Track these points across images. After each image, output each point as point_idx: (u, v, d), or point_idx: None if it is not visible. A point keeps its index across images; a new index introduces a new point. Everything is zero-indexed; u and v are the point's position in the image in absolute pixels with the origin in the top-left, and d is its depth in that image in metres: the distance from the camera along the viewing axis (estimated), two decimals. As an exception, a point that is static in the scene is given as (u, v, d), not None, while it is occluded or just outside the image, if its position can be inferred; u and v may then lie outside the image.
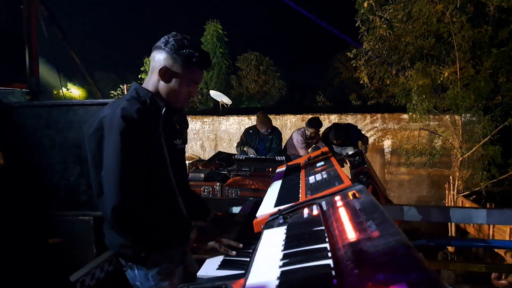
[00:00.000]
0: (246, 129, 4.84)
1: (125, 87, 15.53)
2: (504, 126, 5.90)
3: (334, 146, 4.88)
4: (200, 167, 4.06)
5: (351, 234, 0.73)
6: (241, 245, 1.29)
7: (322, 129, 4.93)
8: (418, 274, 0.49)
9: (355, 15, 8.58)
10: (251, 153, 4.49)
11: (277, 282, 0.66)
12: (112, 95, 15.61)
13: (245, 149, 4.55)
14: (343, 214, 0.88)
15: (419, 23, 6.90)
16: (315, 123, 4.71)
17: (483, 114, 6.30)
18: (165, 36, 1.34)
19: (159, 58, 1.32)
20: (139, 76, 15.69)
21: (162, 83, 1.34)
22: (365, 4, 8.29)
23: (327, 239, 0.76)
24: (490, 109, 6.22)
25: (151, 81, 1.36)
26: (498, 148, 5.84)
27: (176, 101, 1.38)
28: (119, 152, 1.16)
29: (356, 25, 8.50)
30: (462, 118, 6.49)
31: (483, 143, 6.06)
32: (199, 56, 1.32)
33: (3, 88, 2.37)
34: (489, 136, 5.96)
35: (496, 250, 5.71)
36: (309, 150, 4.50)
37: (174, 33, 1.35)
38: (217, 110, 10.16)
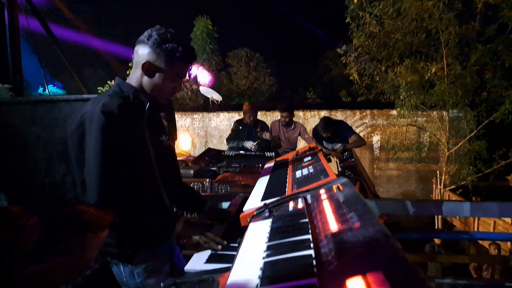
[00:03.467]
0: (236, 121, 4.82)
1: (112, 83, 15.37)
2: (489, 121, 6.01)
3: (324, 142, 4.89)
4: (190, 164, 4.05)
5: (333, 226, 0.74)
6: (225, 242, 1.28)
7: (312, 125, 4.95)
8: (394, 262, 0.50)
9: (345, 12, 8.63)
10: (250, 145, 4.40)
11: (260, 272, 0.67)
12: (100, 91, 15.42)
13: (245, 145, 4.44)
14: (327, 207, 0.89)
15: (408, 20, 6.97)
16: (283, 107, 4.73)
17: (469, 109, 6.41)
18: (148, 30, 1.31)
19: (142, 52, 1.30)
20: (127, 72, 15.54)
21: (145, 78, 1.31)
22: (355, 0, 8.35)
23: (310, 231, 0.77)
24: (476, 104, 6.33)
25: (134, 76, 1.34)
26: (483, 143, 5.95)
27: (160, 96, 1.35)
28: (99, 148, 1.15)
29: (346, 21, 8.55)
30: (449, 114, 6.59)
31: (469, 138, 6.17)
32: (183, 50, 1.30)
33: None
34: (475, 131, 6.07)
35: (480, 242, 5.83)
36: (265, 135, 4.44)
37: (158, 26, 1.32)
38: (207, 106, 10.12)
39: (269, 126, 4.85)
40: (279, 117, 4.95)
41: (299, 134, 4.94)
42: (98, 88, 15.76)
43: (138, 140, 1.29)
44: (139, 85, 1.33)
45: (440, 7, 6.21)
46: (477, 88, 6.87)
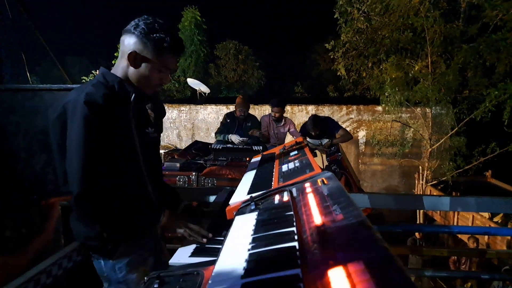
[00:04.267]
0: (226, 114, 4.80)
1: (97, 73, 15.06)
2: (470, 118, 6.16)
3: (311, 137, 4.94)
4: (176, 157, 4.03)
5: (317, 218, 0.76)
6: (210, 235, 1.28)
7: (301, 121, 4.98)
8: (374, 252, 0.52)
9: (333, 7, 8.65)
10: (236, 139, 4.38)
11: (245, 264, 0.68)
12: (83, 81, 15.09)
13: (230, 138, 4.41)
14: (311, 200, 0.91)
15: (395, 17, 7.05)
16: (276, 102, 4.76)
17: (451, 107, 6.56)
18: (136, 20, 1.28)
19: (128, 42, 1.26)
20: (113, 62, 15.22)
21: (131, 68, 1.28)
22: (344, -4, 8.39)
23: (294, 223, 0.79)
24: (458, 102, 6.48)
25: (120, 66, 1.31)
26: (463, 139, 6.11)
27: (147, 87, 1.32)
28: (82, 138, 1.13)
29: (335, 16, 8.58)
30: (432, 111, 6.73)
31: (451, 135, 6.32)
32: (171, 41, 1.27)
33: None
34: (456, 129, 6.22)
35: (460, 236, 6.02)
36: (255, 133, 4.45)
37: (145, 16, 1.29)
38: (195, 98, 10.05)
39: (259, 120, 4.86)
40: (267, 111, 4.97)
41: (288, 130, 4.99)
42: (82, 77, 15.42)
43: (123, 131, 1.26)
44: (125, 76, 1.30)
45: (426, 5, 6.30)
46: (459, 86, 7.03)
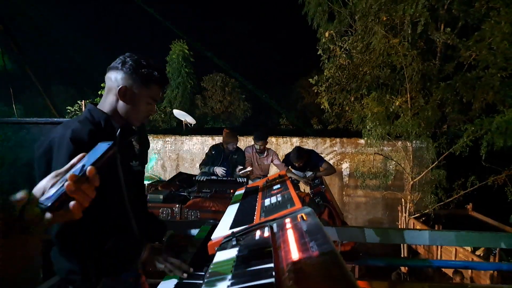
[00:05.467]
0: (212, 146, 4.82)
1: (83, 103, 14.94)
2: (449, 152, 6.36)
3: (295, 168, 5.00)
4: (159, 188, 3.99)
5: (295, 254, 0.78)
6: (192, 270, 1.28)
7: (286, 152, 5.06)
8: (345, 289, 0.55)
9: (317, 44, 9.04)
10: (221, 172, 4.36)
11: (224, 301, 0.70)
12: (68, 110, 14.95)
13: (215, 170, 4.39)
14: (291, 236, 0.93)
15: (375, 54, 7.38)
16: (258, 136, 4.83)
17: (431, 141, 6.76)
18: (121, 57, 1.35)
19: (116, 78, 1.32)
20: (99, 93, 15.20)
21: (121, 103, 1.33)
22: (326, 34, 8.80)
23: (273, 260, 0.81)
24: (438, 136, 6.71)
25: (107, 101, 1.36)
26: (443, 172, 6.27)
27: (135, 120, 1.38)
28: None
29: (318, 53, 8.94)
30: (413, 145, 6.92)
31: (431, 168, 6.48)
32: (158, 74, 1.35)
33: None
34: (436, 162, 6.40)
35: (444, 270, 6.02)
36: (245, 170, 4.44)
37: (129, 53, 1.37)
38: (180, 129, 10.07)
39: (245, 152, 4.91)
40: (253, 142, 5.04)
41: (272, 161, 5.05)
42: (67, 107, 15.30)
43: (108, 169, 1.28)
44: (112, 111, 1.35)
45: (405, 45, 6.65)
46: (438, 121, 7.31)
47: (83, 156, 0.76)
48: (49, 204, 0.68)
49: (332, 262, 0.63)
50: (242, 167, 4.39)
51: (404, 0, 7.05)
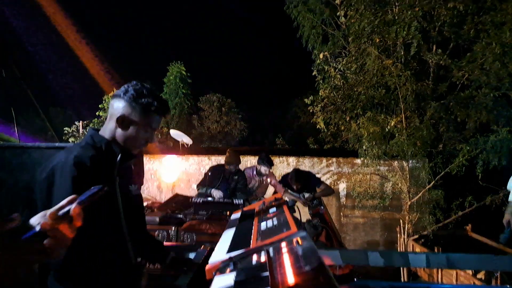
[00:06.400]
0: (212, 167, 4.81)
1: (80, 124, 14.95)
2: (446, 172, 6.37)
3: (292, 191, 5.00)
4: (155, 210, 3.96)
5: (290, 279, 0.79)
6: None
7: (282, 172, 5.08)
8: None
9: (312, 65, 9.21)
10: (218, 196, 4.28)
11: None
12: (66, 131, 14.95)
13: (212, 193, 4.31)
14: (286, 260, 0.94)
15: (370, 75, 7.52)
16: (269, 162, 4.86)
17: (427, 160, 6.79)
18: (125, 85, 1.40)
19: (117, 106, 1.36)
20: (97, 114, 15.27)
21: (119, 130, 1.37)
22: (321, 56, 8.99)
23: (269, 284, 0.81)
24: (434, 156, 6.74)
25: (108, 127, 1.39)
26: (441, 192, 6.26)
27: (133, 147, 1.41)
28: None
29: (313, 74, 9.10)
30: (409, 164, 6.94)
31: (428, 188, 6.48)
32: (158, 104, 1.38)
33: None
34: (433, 182, 6.40)
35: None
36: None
37: (134, 82, 1.41)
38: (177, 149, 10.06)
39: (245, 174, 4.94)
40: (249, 162, 5.08)
41: (270, 182, 5.06)
42: (64, 128, 15.33)
43: (108, 194, 1.30)
44: (112, 137, 1.38)
45: (398, 66, 6.78)
46: (434, 140, 7.37)
47: (74, 199, 0.77)
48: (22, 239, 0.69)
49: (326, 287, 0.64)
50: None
51: (396, 23, 7.25)
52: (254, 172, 5.05)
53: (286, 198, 4.32)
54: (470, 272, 5.77)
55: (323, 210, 4.76)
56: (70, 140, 14.47)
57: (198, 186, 4.67)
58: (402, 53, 7.96)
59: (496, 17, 6.95)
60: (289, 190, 4.94)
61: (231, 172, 4.52)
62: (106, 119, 1.40)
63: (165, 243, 3.24)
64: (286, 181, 4.99)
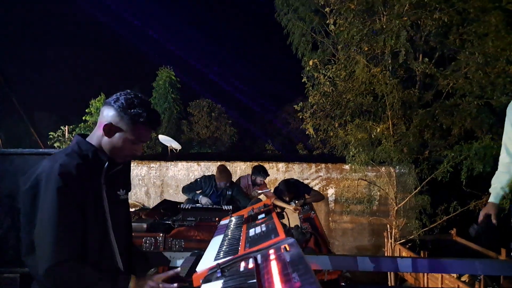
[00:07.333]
0: (204, 175, 4.83)
1: (66, 128, 14.72)
2: (431, 178, 6.48)
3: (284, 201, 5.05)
4: (143, 216, 3.92)
5: (277, 286, 0.80)
6: None
7: (272, 178, 5.15)
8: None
9: (301, 72, 9.29)
10: (205, 202, 4.29)
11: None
12: (51, 136, 14.68)
13: (200, 200, 4.31)
14: (274, 267, 0.95)
15: (358, 82, 7.62)
16: (265, 173, 4.95)
17: (414, 166, 6.90)
18: (117, 93, 1.37)
19: (107, 113, 1.34)
20: (83, 118, 15.02)
21: (105, 138, 1.34)
22: (311, 63, 9.07)
23: (257, 292, 0.82)
24: (420, 162, 6.85)
25: (95, 135, 1.37)
26: (427, 198, 6.35)
27: (118, 157, 1.38)
28: (56, 211, 1.13)
29: (303, 80, 9.17)
30: (396, 170, 7.04)
31: (414, 194, 6.58)
32: (147, 116, 1.34)
33: None
34: (419, 188, 6.50)
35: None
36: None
37: (128, 91, 1.38)
38: (166, 155, 9.99)
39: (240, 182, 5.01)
40: (238, 168, 5.13)
41: (262, 192, 5.14)
42: (49, 132, 15.05)
43: (95, 198, 1.28)
44: (99, 144, 1.36)
45: (386, 74, 6.90)
46: (420, 147, 7.50)
47: None
48: None
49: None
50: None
51: (384, 32, 7.39)
52: (249, 182, 5.13)
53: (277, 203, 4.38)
54: (454, 275, 5.87)
55: (314, 215, 4.80)
56: (55, 145, 14.22)
57: (184, 188, 4.66)
58: (389, 61, 8.11)
59: (480, 28, 7.16)
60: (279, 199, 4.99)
61: (222, 188, 4.57)
62: (92, 124, 1.38)
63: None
64: (278, 194, 5.04)
